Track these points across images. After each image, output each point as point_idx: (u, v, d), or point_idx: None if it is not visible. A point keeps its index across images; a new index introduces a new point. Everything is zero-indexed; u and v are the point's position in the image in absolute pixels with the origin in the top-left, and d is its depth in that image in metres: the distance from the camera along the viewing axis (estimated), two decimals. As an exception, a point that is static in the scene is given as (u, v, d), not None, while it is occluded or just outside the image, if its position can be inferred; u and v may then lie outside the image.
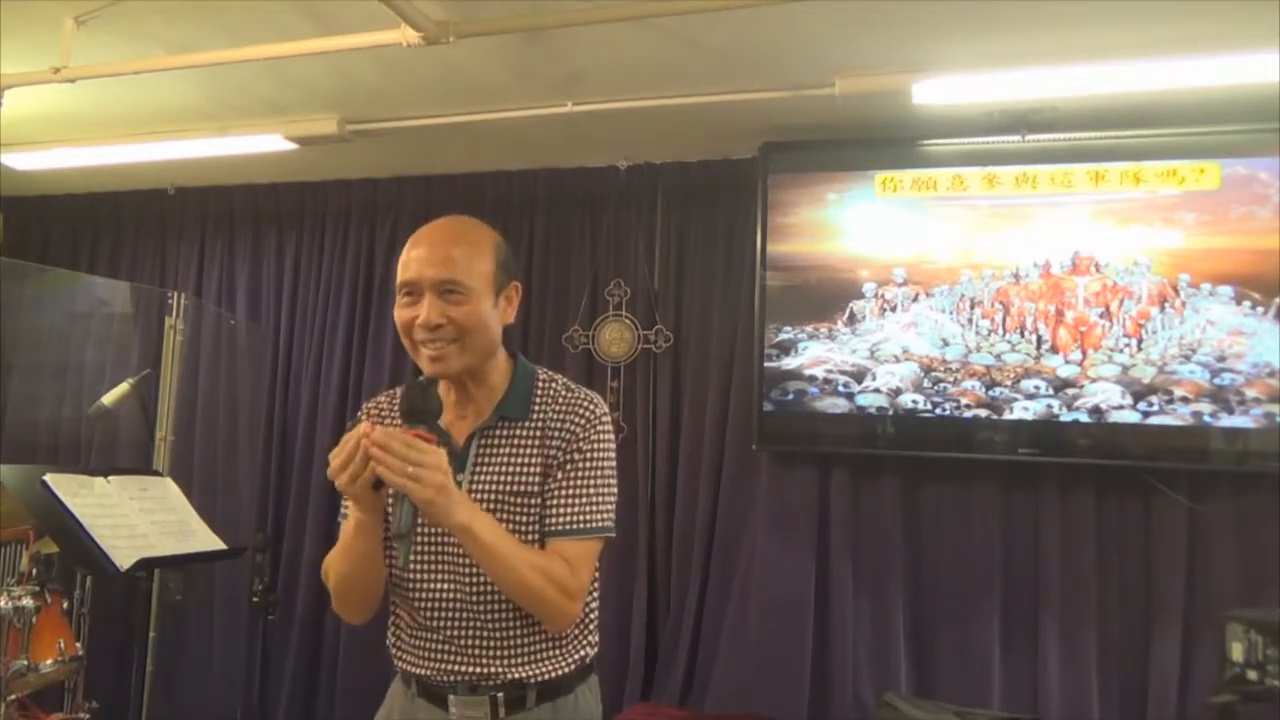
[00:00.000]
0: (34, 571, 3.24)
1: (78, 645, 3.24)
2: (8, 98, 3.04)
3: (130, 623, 3.74)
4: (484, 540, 1.48)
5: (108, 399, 3.53)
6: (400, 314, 1.58)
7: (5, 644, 2.99)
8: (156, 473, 3.36)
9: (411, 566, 1.62)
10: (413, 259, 1.57)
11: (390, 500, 1.48)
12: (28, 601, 3.04)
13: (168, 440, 3.93)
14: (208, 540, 3.03)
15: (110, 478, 2.93)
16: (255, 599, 3.66)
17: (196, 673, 4.11)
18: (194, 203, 4.57)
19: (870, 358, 3.46)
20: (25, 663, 3.01)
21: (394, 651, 1.70)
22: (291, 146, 3.71)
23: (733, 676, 3.55)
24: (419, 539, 1.60)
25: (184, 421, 4.11)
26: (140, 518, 2.86)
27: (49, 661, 3.08)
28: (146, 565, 2.71)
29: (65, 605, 3.36)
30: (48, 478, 2.70)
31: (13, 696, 3.00)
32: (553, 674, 1.61)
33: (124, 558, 2.64)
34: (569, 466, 1.58)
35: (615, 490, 1.63)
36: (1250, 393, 3.12)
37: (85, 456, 4.31)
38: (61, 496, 2.67)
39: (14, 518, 3.19)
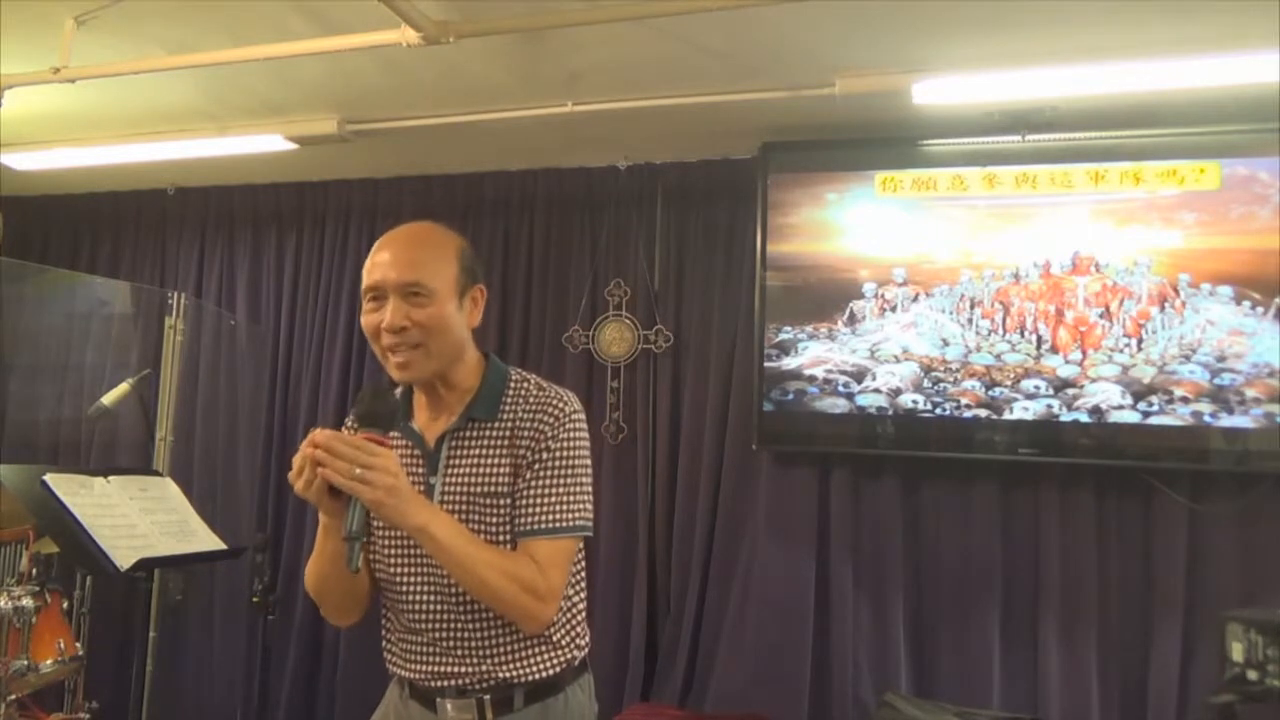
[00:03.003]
0: (34, 571, 3.24)
1: (78, 645, 3.25)
2: (8, 98, 3.04)
3: (130, 623, 3.75)
4: (440, 540, 1.47)
5: (108, 399, 3.53)
6: (367, 320, 1.58)
7: (5, 644, 3.00)
8: (156, 473, 3.36)
9: (392, 570, 1.63)
10: (376, 264, 1.57)
11: None
12: (28, 601, 3.05)
13: (168, 440, 3.93)
14: (208, 540, 3.03)
15: (110, 478, 2.93)
16: (255, 599, 3.65)
17: (196, 673, 4.11)
18: (194, 203, 4.57)
19: (870, 358, 3.46)
20: (25, 663, 3.02)
21: (386, 655, 1.70)
22: (291, 146, 3.71)
23: (733, 676, 3.55)
24: (398, 543, 1.62)
25: (184, 421, 4.11)
26: (140, 518, 2.86)
27: (49, 661, 3.08)
28: (146, 565, 2.71)
29: (65, 605, 3.36)
30: (48, 478, 2.70)
31: (13, 696, 3.01)
32: (540, 674, 1.61)
33: (124, 558, 2.63)
34: (537, 466, 1.57)
35: (589, 488, 1.61)
36: (1250, 393, 3.12)
37: (85, 456, 4.31)
38: (61, 496, 2.67)
39: (14, 518, 3.19)
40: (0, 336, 4.14)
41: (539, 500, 1.56)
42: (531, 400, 1.61)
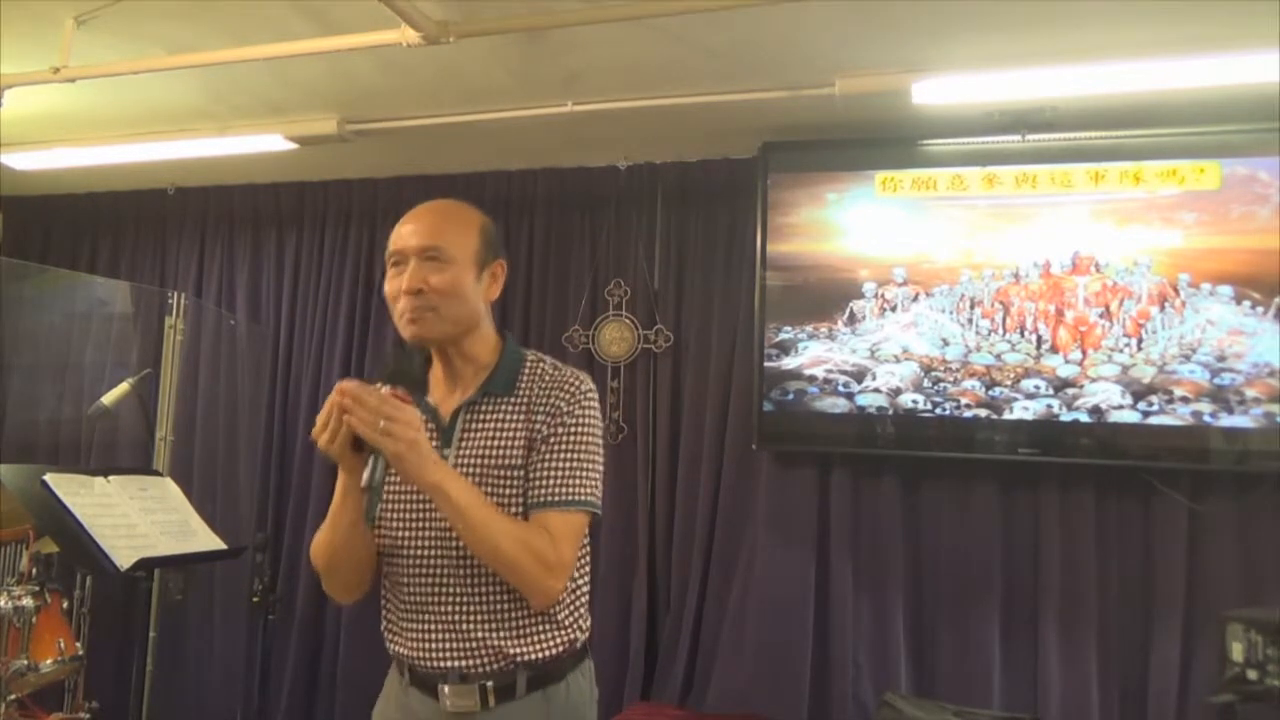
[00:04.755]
0: (34, 571, 3.24)
1: (78, 645, 3.24)
2: (8, 98, 3.04)
3: (130, 623, 3.75)
4: (456, 500, 1.49)
5: (108, 399, 3.53)
6: (388, 285, 1.63)
7: (5, 644, 3.00)
8: (156, 473, 3.36)
9: (399, 535, 1.63)
10: (400, 232, 1.64)
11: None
12: (28, 601, 3.05)
13: (168, 440, 3.93)
14: (208, 540, 3.03)
15: (110, 478, 2.93)
16: (255, 599, 3.65)
17: (196, 673, 4.11)
18: (194, 203, 4.57)
19: (870, 358, 3.46)
20: (25, 663, 3.02)
21: (386, 635, 1.70)
22: (291, 146, 3.71)
23: (733, 676, 3.55)
24: (408, 506, 1.62)
25: (184, 421, 4.11)
26: (140, 518, 2.86)
27: (49, 661, 3.08)
28: (146, 565, 2.71)
29: (65, 605, 3.36)
30: (48, 478, 2.70)
31: (13, 696, 3.01)
32: (542, 654, 1.61)
33: (124, 558, 2.63)
34: (553, 440, 1.60)
35: (600, 467, 1.64)
36: (1250, 393, 3.12)
37: (85, 456, 4.30)
38: (61, 496, 2.67)
39: (14, 518, 3.19)
40: (0, 336, 4.13)
41: (553, 473, 1.59)
42: (548, 378, 1.65)
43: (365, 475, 1.45)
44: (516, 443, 1.60)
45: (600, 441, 1.65)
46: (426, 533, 1.61)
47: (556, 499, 1.58)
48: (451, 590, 1.60)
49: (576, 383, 1.64)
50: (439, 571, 1.60)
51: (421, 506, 1.61)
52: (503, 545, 1.51)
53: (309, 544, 4.31)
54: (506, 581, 1.57)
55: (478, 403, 1.64)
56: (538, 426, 1.61)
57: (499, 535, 1.51)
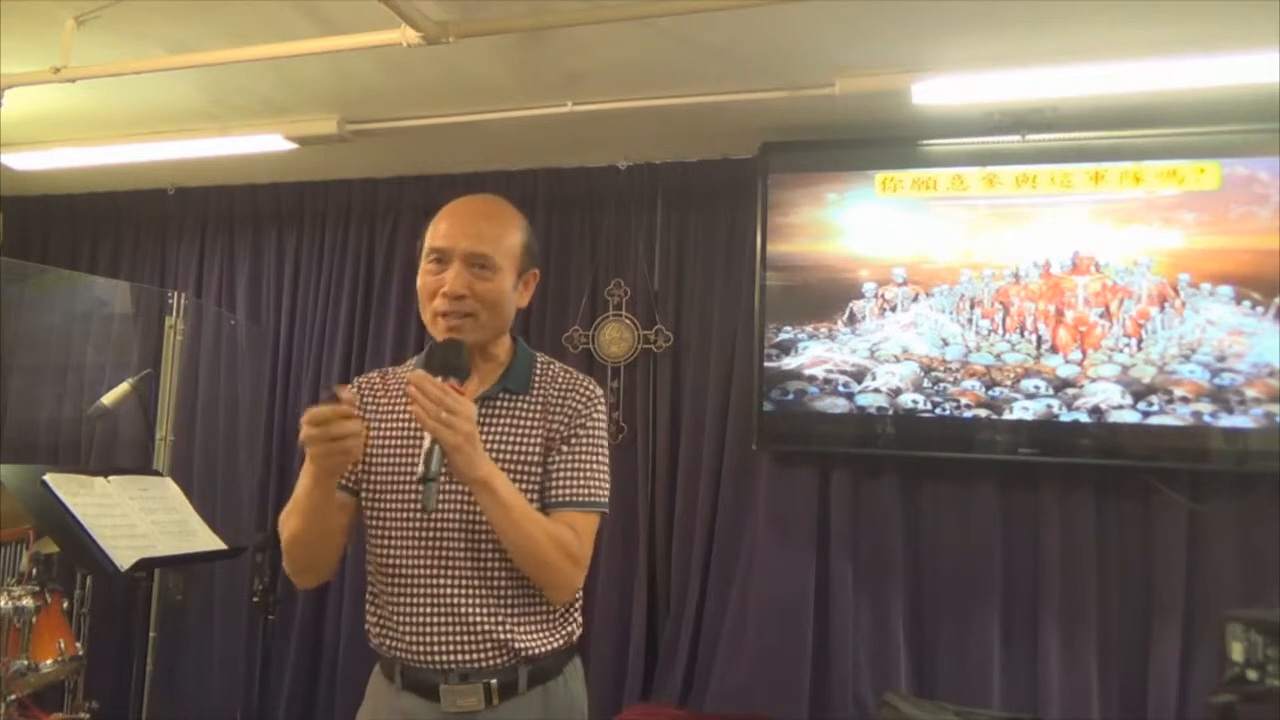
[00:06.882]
0: (34, 571, 3.24)
1: (78, 645, 3.24)
2: (8, 98, 3.04)
3: (130, 623, 3.75)
4: (503, 496, 1.51)
5: (108, 399, 3.53)
6: (424, 280, 1.63)
7: (5, 644, 3.00)
8: (156, 473, 3.36)
9: (410, 518, 1.62)
10: (446, 227, 1.63)
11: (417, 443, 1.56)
12: (28, 601, 3.05)
13: (168, 440, 3.93)
14: (208, 540, 3.04)
15: (110, 478, 2.93)
16: (255, 599, 3.64)
17: (196, 673, 4.11)
18: (194, 203, 4.57)
19: (870, 358, 3.46)
20: (25, 663, 3.01)
21: (377, 634, 1.67)
22: (291, 146, 3.71)
23: (733, 676, 3.55)
24: (406, 485, 1.63)
25: (184, 421, 4.11)
26: (140, 518, 2.86)
27: (49, 661, 3.08)
28: (146, 565, 2.72)
29: (65, 605, 3.36)
30: (48, 478, 2.70)
31: (13, 696, 3.01)
32: (542, 648, 1.62)
33: (124, 558, 2.64)
34: (573, 441, 1.64)
35: (608, 470, 1.69)
36: (1250, 393, 3.12)
37: (85, 456, 4.31)
38: (61, 496, 2.67)
39: (14, 518, 3.19)
40: (0, 336, 4.13)
41: (574, 473, 1.62)
42: (560, 381, 1.69)
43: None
44: (534, 440, 1.63)
45: (608, 445, 1.70)
46: (440, 519, 1.61)
47: (577, 499, 1.61)
48: (459, 578, 1.60)
49: (591, 387, 1.70)
50: (448, 558, 1.60)
51: (453, 496, 1.61)
52: (539, 540, 1.54)
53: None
54: (516, 573, 1.59)
55: (494, 398, 1.65)
56: (555, 427, 1.64)
57: (537, 530, 1.54)
